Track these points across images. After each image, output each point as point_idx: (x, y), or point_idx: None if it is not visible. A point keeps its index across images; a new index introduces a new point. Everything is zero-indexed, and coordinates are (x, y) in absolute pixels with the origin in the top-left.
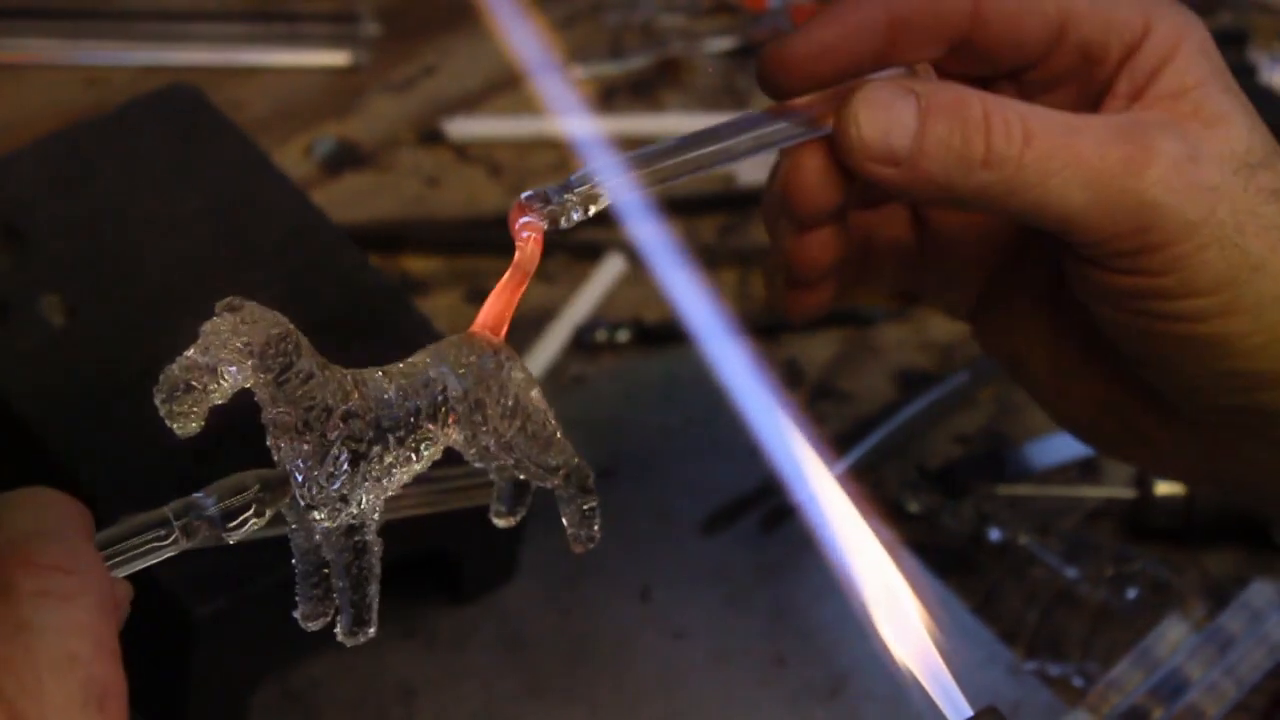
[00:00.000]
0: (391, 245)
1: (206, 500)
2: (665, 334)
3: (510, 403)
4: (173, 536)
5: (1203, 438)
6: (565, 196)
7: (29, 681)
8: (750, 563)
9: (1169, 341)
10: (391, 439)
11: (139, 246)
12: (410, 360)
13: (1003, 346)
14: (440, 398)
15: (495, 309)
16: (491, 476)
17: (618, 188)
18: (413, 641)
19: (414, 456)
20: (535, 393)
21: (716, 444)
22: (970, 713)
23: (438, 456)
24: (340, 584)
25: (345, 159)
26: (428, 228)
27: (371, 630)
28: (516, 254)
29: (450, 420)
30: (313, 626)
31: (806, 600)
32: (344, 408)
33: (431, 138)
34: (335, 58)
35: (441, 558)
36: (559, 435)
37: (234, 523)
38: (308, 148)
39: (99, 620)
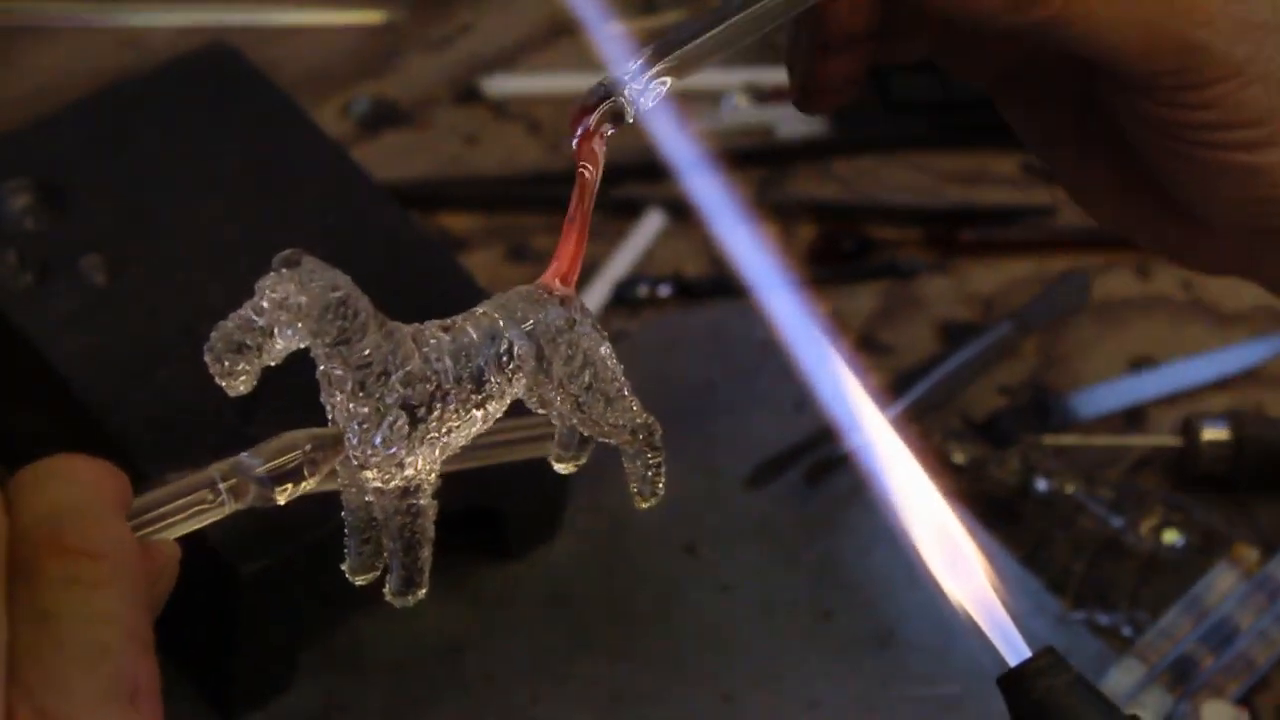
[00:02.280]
0: (430, 203)
1: (254, 460)
2: (707, 289)
3: (579, 361)
4: (220, 498)
5: (1229, 245)
6: (627, 88)
7: (55, 674)
8: (795, 516)
9: (1206, 166)
10: (453, 400)
11: (179, 206)
12: (475, 312)
13: (1024, 123)
14: (505, 357)
15: (566, 252)
16: (553, 421)
17: (670, 70)
18: (458, 598)
19: (476, 415)
20: (605, 349)
21: (760, 398)
22: (1029, 654)
23: (500, 414)
24: (391, 545)
25: (382, 118)
26: (467, 185)
27: (422, 592)
28: (578, 176)
29: (515, 377)
30: (360, 582)
31: (852, 553)
32: (402, 371)
33: (469, 96)
34: (371, 16)
35: (486, 514)
36: (626, 392)
37: (283, 484)
38: (344, 107)
39: (129, 609)
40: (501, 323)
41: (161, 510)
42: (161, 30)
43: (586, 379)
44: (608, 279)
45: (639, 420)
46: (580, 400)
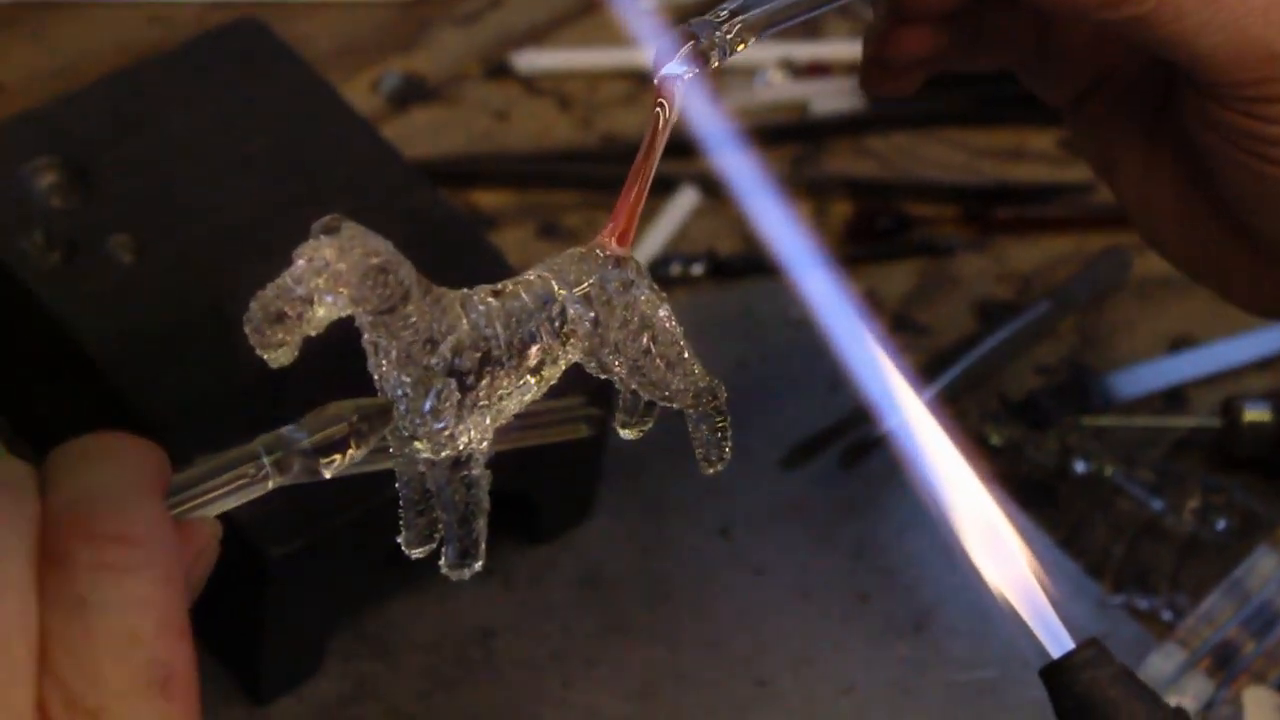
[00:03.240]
0: (461, 180)
1: (299, 433)
2: (741, 267)
3: (636, 324)
4: (264, 472)
5: None
6: (715, 34)
7: (86, 663)
8: (830, 499)
9: (1272, 182)
10: (505, 367)
11: (207, 183)
12: (527, 276)
13: (1094, 145)
14: (558, 321)
15: (624, 209)
16: (616, 385)
17: (755, 24)
18: (490, 581)
19: (530, 381)
20: (664, 311)
21: (794, 379)
22: (1071, 644)
23: (554, 380)
24: (446, 517)
25: (412, 94)
26: (497, 161)
27: (478, 564)
28: (652, 117)
29: (570, 342)
30: (416, 555)
31: (888, 536)
32: (450, 338)
33: (499, 71)
34: None
35: (518, 497)
36: (687, 355)
37: (329, 456)
38: (374, 83)
39: (164, 595)
40: (555, 286)
41: (202, 487)
42: (189, 5)
43: (644, 342)
44: (641, 257)
45: (702, 383)
46: (639, 364)
